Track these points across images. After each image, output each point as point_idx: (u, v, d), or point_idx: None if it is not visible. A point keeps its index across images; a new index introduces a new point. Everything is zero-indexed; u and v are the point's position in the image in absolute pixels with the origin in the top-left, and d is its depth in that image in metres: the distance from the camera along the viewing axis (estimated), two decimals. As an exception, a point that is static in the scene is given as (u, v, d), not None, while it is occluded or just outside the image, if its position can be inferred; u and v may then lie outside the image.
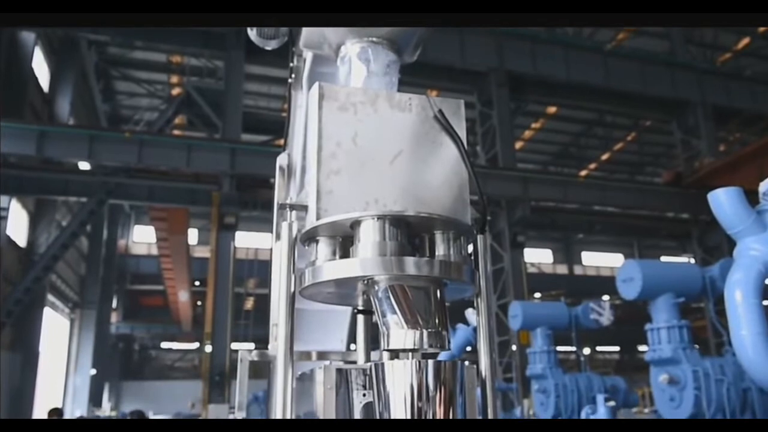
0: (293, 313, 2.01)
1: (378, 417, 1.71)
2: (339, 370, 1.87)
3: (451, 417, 1.67)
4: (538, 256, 28.51)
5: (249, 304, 24.50)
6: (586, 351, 14.43)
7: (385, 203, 1.98)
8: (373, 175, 2.00)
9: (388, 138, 2.05)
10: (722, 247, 16.98)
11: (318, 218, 1.94)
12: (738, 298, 3.67)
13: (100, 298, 23.85)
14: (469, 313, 8.80)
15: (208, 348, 16.70)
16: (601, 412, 5.78)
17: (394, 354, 1.75)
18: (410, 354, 1.72)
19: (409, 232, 1.96)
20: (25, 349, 17.10)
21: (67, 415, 19.46)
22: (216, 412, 14.34)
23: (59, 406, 10.48)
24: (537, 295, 19.90)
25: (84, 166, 16.25)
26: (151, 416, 19.31)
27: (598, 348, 29.82)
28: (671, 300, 6.79)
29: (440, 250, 1.97)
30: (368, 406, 1.84)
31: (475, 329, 2.22)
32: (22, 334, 16.83)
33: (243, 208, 16.58)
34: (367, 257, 1.85)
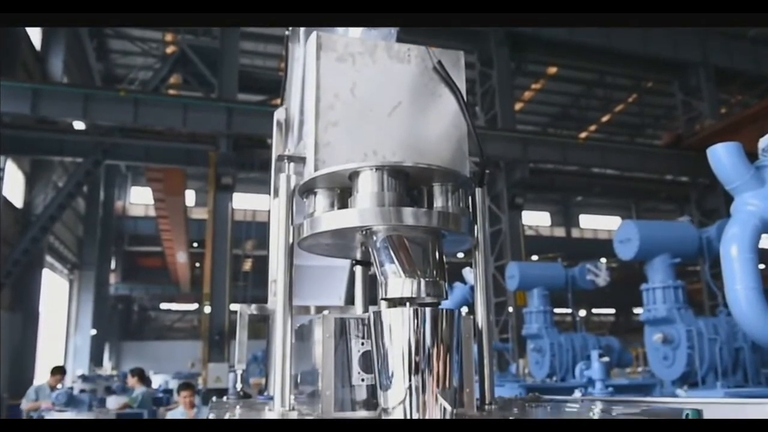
0: (291, 266, 2.01)
1: (376, 366, 1.72)
2: (337, 320, 1.87)
3: (448, 366, 1.68)
4: (536, 219, 28.57)
5: (247, 265, 24.64)
6: (582, 313, 14.60)
7: (383, 155, 1.97)
8: (371, 127, 1.98)
9: (387, 89, 2.02)
10: (720, 210, 17.00)
11: (316, 170, 1.93)
12: (734, 252, 3.69)
13: (98, 259, 23.93)
14: (466, 272, 8.87)
15: (207, 309, 16.88)
16: (595, 368, 5.88)
17: (392, 303, 1.75)
18: (408, 303, 1.72)
19: (407, 184, 1.95)
20: (25, 310, 17.24)
21: (69, 375, 19.78)
22: (216, 370, 14.61)
23: (61, 365, 10.64)
24: (534, 257, 19.98)
25: (79, 125, 16.09)
26: (152, 376, 19.64)
27: (594, 310, 30.21)
28: (667, 261, 6.83)
29: (438, 202, 1.96)
30: (366, 355, 1.86)
31: (472, 288, 2.22)
32: (22, 295, 16.94)
33: (240, 169, 16.50)
34: (365, 207, 1.83)
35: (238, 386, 2.68)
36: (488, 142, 16.44)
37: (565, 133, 25.00)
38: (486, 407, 2.05)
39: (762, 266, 3.91)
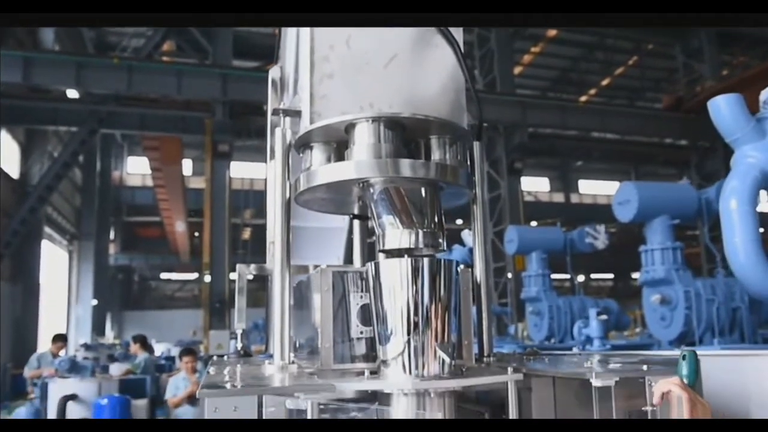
0: (289, 221, 1.99)
1: (374, 318, 1.71)
2: (335, 273, 1.85)
3: (446, 317, 1.67)
4: (535, 185, 28.51)
5: (246, 234, 24.67)
6: (581, 278, 14.68)
7: (380, 107, 1.92)
8: (367, 79, 1.94)
9: (383, 41, 1.96)
10: (720, 174, 16.94)
11: (311, 123, 1.89)
12: (733, 205, 3.66)
13: (97, 230, 23.92)
14: (465, 235, 8.88)
15: (207, 278, 16.95)
16: (593, 326, 5.92)
17: (390, 255, 1.73)
18: (406, 254, 1.70)
19: (404, 137, 1.91)
20: (25, 281, 17.31)
21: (71, 344, 19.96)
22: (217, 337, 14.74)
23: (64, 334, 10.71)
24: (533, 223, 20.01)
25: (72, 94, 15.90)
26: (154, 344, 19.83)
27: (592, 275, 30.39)
28: (666, 222, 6.82)
29: (436, 155, 1.93)
30: (365, 308, 1.84)
31: (471, 250, 2.20)
32: (22, 266, 16.99)
33: (237, 137, 16.38)
34: (361, 160, 1.80)
35: (239, 345, 2.68)
36: (487, 106, 16.28)
37: (565, 97, 24.73)
38: (484, 360, 2.05)
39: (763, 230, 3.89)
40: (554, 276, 10.41)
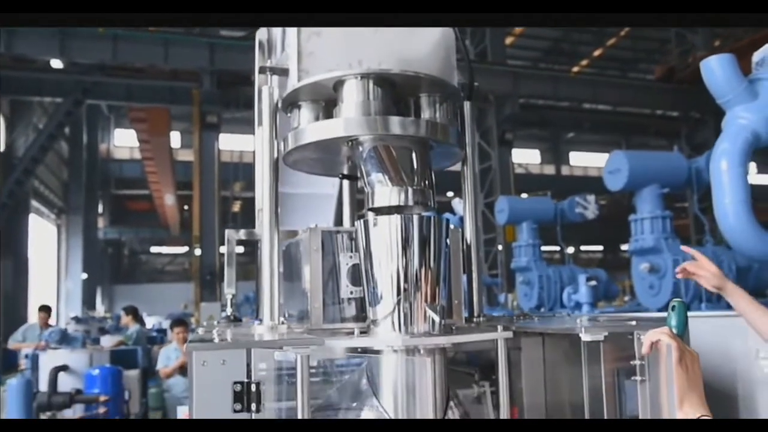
0: (277, 182, 1.96)
1: (364, 276, 1.69)
2: (325, 232, 1.83)
3: (436, 274, 1.66)
4: (526, 157, 28.50)
5: (236, 207, 24.58)
6: (570, 250, 14.78)
7: (369, 64, 1.87)
8: (356, 36, 1.88)
9: (372, -3, 1.90)
10: (710, 144, 16.94)
11: (299, 80, 1.84)
12: (723, 166, 3.66)
13: (85, 203, 23.70)
14: (456, 203, 8.86)
15: (198, 251, 16.89)
16: (582, 292, 5.96)
17: (379, 213, 1.70)
18: (395, 212, 1.68)
19: (393, 95, 1.87)
20: (14, 256, 17.17)
21: (62, 317, 19.93)
22: (208, 309, 14.76)
23: (49, 305, 10.58)
24: (524, 195, 20.06)
25: (57, 64, 15.57)
26: (145, 318, 19.84)
27: (582, 247, 30.61)
28: (656, 191, 6.83)
29: (426, 114, 1.90)
30: (355, 269, 1.83)
31: (461, 219, 2.18)
32: (10, 240, 16.82)
33: (225, 108, 16.17)
34: (350, 117, 1.77)
35: (228, 311, 2.66)
36: (478, 77, 16.04)
37: (557, 67, 24.56)
38: (474, 320, 2.05)
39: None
40: (544, 248, 10.47)
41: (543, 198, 10.76)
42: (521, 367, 2.06)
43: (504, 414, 1.74)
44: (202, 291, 16.46)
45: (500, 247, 15.97)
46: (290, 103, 1.95)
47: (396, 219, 1.61)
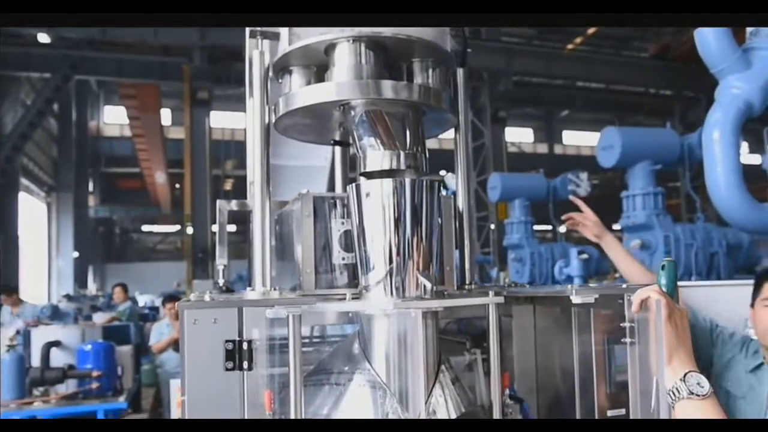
0: (268, 148, 1.94)
1: (356, 241, 1.68)
2: (317, 198, 1.82)
3: (428, 238, 1.65)
4: (519, 136, 28.45)
5: (228, 185, 24.44)
6: (562, 229, 14.85)
7: (360, 29, 1.84)
8: None
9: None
10: (703, 122, 17.01)
11: (290, 44, 1.82)
12: (716, 136, 3.65)
13: (75, 181, 23.50)
14: (449, 178, 8.81)
15: (190, 230, 16.84)
16: (574, 265, 5.99)
17: (371, 177, 1.69)
18: (387, 175, 1.66)
19: (386, 60, 1.85)
20: (3, 235, 17.05)
21: (54, 296, 19.87)
22: (201, 287, 14.77)
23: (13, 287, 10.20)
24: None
25: (44, 38, 15.30)
26: (138, 296, 19.83)
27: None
28: (648, 167, 6.84)
29: (418, 79, 1.88)
30: (347, 234, 1.82)
31: (454, 193, 2.17)
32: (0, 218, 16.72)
33: (216, 84, 15.99)
34: (342, 81, 1.75)
35: (221, 281, 2.65)
36: (471, 53, 16.03)
37: (551, 45, 24.41)
38: (466, 287, 2.05)
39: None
40: (537, 228, 10.50)
41: (535, 175, 10.77)
42: (512, 334, 2.07)
43: (495, 380, 1.75)
44: (194, 269, 16.46)
45: (492, 227, 16.02)
46: (281, 68, 1.92)
47: (388, 183, 1.59)
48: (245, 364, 1.26)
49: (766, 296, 2.06)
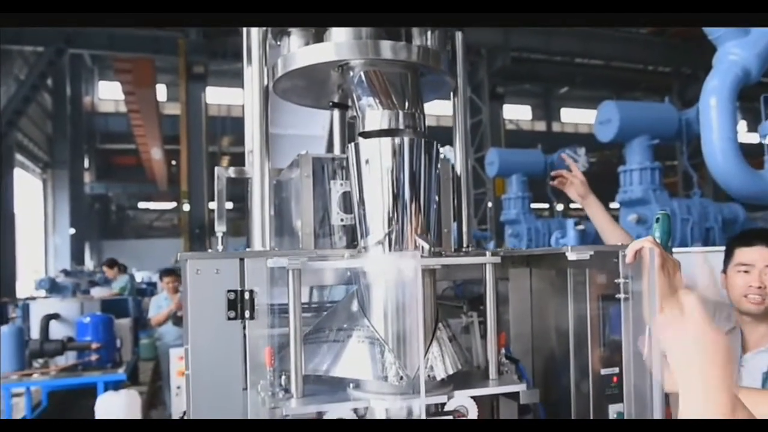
0: (267, 111, 1.94)
1: (355, 201, 1.69)
2: (316, 159, 1.83)
3: (426, 199, 1.66)
4: (517, 113, 28.34)
5: (225, 162, 24.35)
6: (560, 207, 14.90)
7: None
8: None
9: None
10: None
11: (288, 5, 1.80)
12: (712, 103, 3.65)
13: (70, 157, 23.36)
14: (447, 151, 8.83)
15: (186, 207, 16.82)
16: (570, 236, 6.02)
17: (370, 137, 1.69)
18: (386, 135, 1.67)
19: (385, 21, 1.84)
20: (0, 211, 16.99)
21: (51, 272, 19.87)
22: (198, 262, 14.76)
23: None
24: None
25: (36, 12, 15.07)
26: (135, 273, 19.86)
27: (572, 205, 30.83)
28: (646, 142, 6.84)
29: (417, 41, 1.87)
30: (346, 196, 1.83)
31: (453, 167, 2.17)
32: (-5, 194, 16.63)
33: (212, 58, 15.83)
34: (341, 41, 1.75)
35: (219, 248, 2.66)
36: (469, 29, 15.88)
37: (549, 22, 24.14)
38: (463, 250, 2.07)
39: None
40: (534, 206, 10.51)
41: (533, 151, 10.77)
42: (508, 297, 2.10)
43: (491, 339, 1.78)
44: (191, 246, 16.47)
45: (490, 204, 16.04)
46: (280, 29, 1.91)
47: (387, 142, 1.60)
48: (247, 314, 1.28)
49: (738, 261, 2.12)
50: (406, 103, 1.69)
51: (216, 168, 2.78)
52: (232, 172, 2.87)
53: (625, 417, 1.62)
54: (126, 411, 5.65)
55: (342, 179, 1.84)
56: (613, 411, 1.73)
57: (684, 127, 6.89)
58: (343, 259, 1.61)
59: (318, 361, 1.63)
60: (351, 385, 1.61)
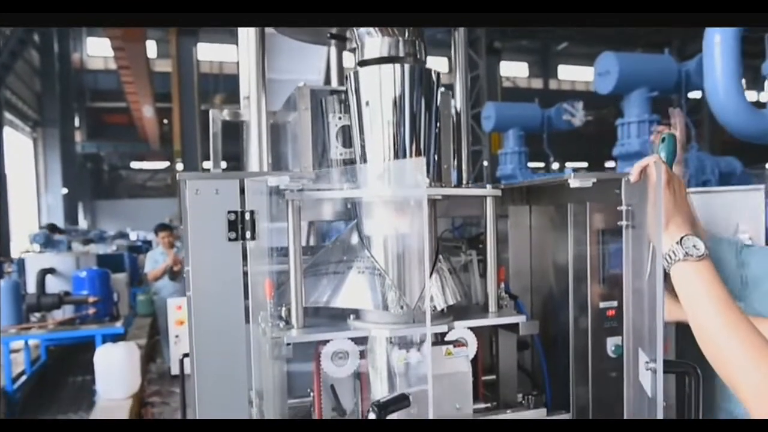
0: (264, 51, 1.88)
1: (356, 133, 1.66)
2: (314, 91, 1.79)
3: (425, 128, 1.63)
4: (514, 70, 27.98)
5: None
6: (555, 165, 14.85)
7: None
8: None
9: None
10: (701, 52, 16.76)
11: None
12: (717, 39, 3.59)
13: (60, 116, 23.04)
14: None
15: (180, 166, 16.67)
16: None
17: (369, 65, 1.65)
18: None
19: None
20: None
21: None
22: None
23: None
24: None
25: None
26: (129, 232, 19.83)
27: (567, 164, 30.75)
28: (645, 94, 6.77)
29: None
30: (345, 130, 1.80)
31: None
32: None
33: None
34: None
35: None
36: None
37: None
38: (462, 186, 2.05)
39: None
40: (530, 165, 10.43)
41: (530, 105, 10.65)
42: (507, 236, 2.09)
43: (491, 273, 1.77)
44: (185, 204, 16.36)
45: (486, 163, 15.98)
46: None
47: (387, 68, 1.56)
48: (248, 234, 1.27)
49: None
50: (406, 31, 1.64)
51: (210, 110, 2.73)
52: (226, 114, 2.83)
53: (624, 350, 1.61)
54: (125, 363, 5.72)
55: (341, 112, 1.80)
56: (611, 344, 1.74)
57: (683, 79, 6.81)
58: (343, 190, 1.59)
59: (318, 294, 1.63)
60: (351, 316, 1.61)
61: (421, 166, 1.32)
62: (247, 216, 1.26)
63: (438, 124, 1.76)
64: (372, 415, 1.07)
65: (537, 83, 29.00)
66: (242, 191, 1.31)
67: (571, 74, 29.50)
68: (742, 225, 2.40)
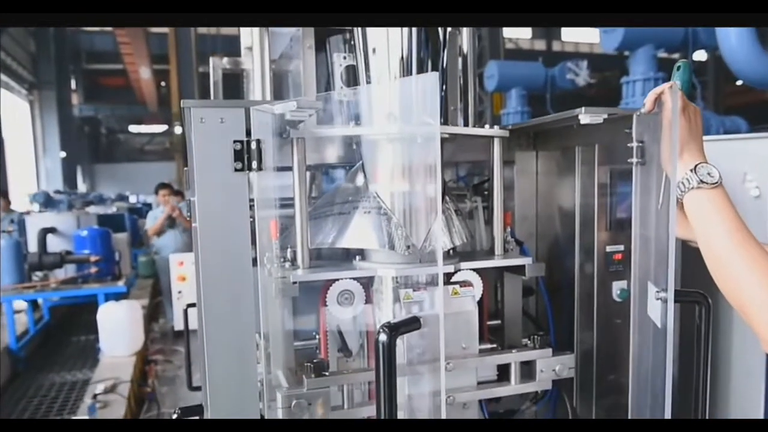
0: None
1: (360, 74, 1.62)
2: (319, 30, 1.74)
3: (434, 64, 1.60)
4: (517, 32, 27.50)
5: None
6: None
7: None
8: None
9: None
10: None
11: None
12: None
13: (56, 78, 22.76)
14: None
15: (178, 129, 16.52)
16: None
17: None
18: None
19: None
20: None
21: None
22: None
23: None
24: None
25: None
26: (129, 195, 19.81)
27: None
28: (650, 51, 6.66)
29: None
30: (349, 70, 1.76)
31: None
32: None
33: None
34: None
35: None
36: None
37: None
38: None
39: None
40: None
41: (533, 63, 10.48)
42: (513, 183, 2.06)
43: (497, 216, 1.75)
44: (186, 166, 16.31)
45: (487, 126, 15.81)
46: None
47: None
48: (254, 164, 1.24)
49: None
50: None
51: (211, 58, 2.68)
52: (226, 63, 2.78)
53: (630, 293, 1.60)
54: (128, 320, 5.77)
55: (346, 53, 1.76)
56: (617, 287, 1.73)
57: (690, 36, 6.69)
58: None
59: (323, 235, 1.61)
60: (357, 257, 1.60)
61: (434, 82, 1.27)
62: (253, 145, 1.23)
63: (444, 64, 1.72)
64: (383, 336, 1.06)
65: (540, 45, 28.55)
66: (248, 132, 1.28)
67: (575, 36, 29.01)
68: (750, 174, 2.38)
